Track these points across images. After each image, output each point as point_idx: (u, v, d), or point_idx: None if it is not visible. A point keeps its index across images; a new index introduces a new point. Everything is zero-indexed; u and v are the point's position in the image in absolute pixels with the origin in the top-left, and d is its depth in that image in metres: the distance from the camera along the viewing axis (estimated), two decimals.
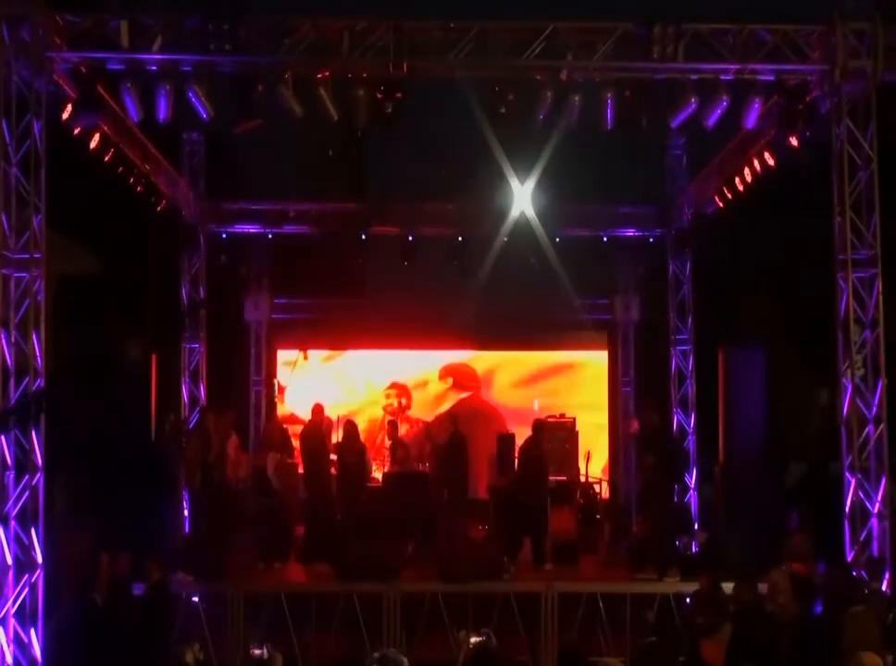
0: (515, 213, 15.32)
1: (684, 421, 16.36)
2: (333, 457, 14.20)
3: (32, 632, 9.95)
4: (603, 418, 18.29)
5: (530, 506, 13.06)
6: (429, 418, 17.67)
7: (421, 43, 10.67)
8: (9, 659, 9.77)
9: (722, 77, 10.74)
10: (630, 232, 16.90)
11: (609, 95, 10.79)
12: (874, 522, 10.64)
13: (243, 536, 13.37)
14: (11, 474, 9.95)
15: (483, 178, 14.71)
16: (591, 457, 15.43)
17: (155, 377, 14.92)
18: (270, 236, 16.75)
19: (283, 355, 18.47)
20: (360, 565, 11.93)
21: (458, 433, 14.24)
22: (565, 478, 14.89)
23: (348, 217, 16.62)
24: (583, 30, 10.78)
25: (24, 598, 9.92)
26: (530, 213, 15.27)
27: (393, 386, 18.35)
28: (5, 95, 10.04)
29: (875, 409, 10.79)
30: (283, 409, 18.15)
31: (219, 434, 14.06)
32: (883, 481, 10.70)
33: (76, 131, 11.08)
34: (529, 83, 10.87)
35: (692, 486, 15.98)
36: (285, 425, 16.22)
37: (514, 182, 14.84)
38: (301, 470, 14.33)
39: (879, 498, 10.65)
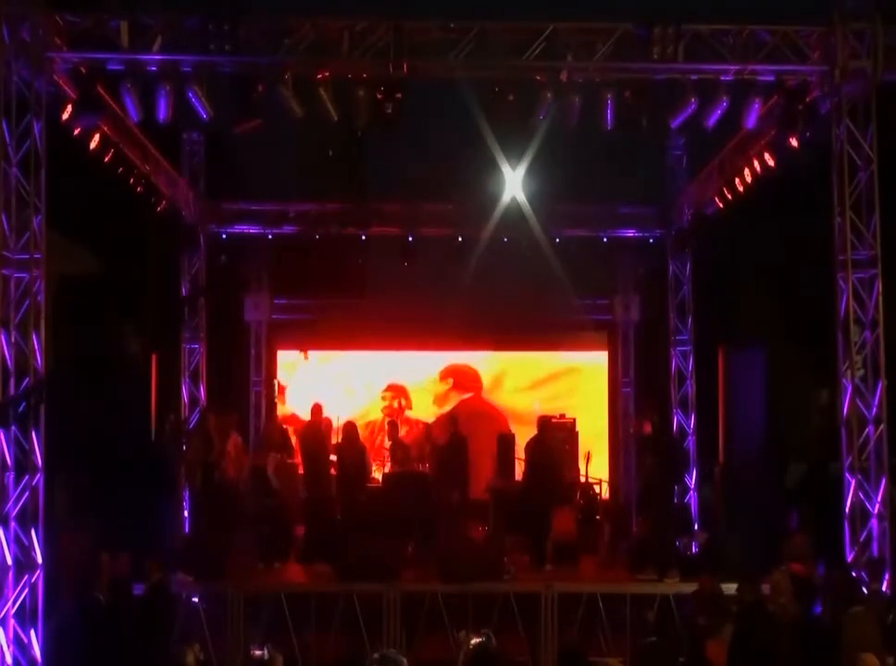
0: (515, 213, 15.30)
1: (684, 421, 16.34)
2: (333, 457, 14.21)
3: (32, 632, 9.94)
4: (603, 419, 18.28)
5: (543, 503, 13.05)
6: (431, 419, 17.65)
7: (421, 43, 10.67)
8: (9, 659, 9.76)
9: (722, 77, 10.75)
10: (630, 232, 16.90)
11: (609, 96, 10.79)
12: (874, 522, 10.64)
13: (243, 536, 13.36)
14: (11, 475, 9.94)
15: (482, 178, 14.68)
16: (591, 457, 15.41)
17: (155, 377, 14.94)
18: (270, 236, 16.73)
19: (283, 356, 18.47)
20: (360, 565, 11.93)
21: (458, 434, 14.21)
22: (565, 479, 14.87)
23: (348, 217, 16.63)
24: (583, 30, 10.78)
25: (24, 599, 9.92)
26: (530, 213, 15.25)
27: (390, 388, 18.33)
28: (5, 95, 10.03)
29: (875, 409, 10.79)
30: (283, 409, 18.17)
31: (220, 434, 14.07)
32: (883, 482, 10.70)
33: (76, 132, 11.07)
34: (529, 84, 10.86)
35: (692, 486, 15.97)
36: (285, 426, 16.22)
37: (513, 182, 14.80)
38: (301, 470, 14.34)
39: (879, 498, 10.65)
